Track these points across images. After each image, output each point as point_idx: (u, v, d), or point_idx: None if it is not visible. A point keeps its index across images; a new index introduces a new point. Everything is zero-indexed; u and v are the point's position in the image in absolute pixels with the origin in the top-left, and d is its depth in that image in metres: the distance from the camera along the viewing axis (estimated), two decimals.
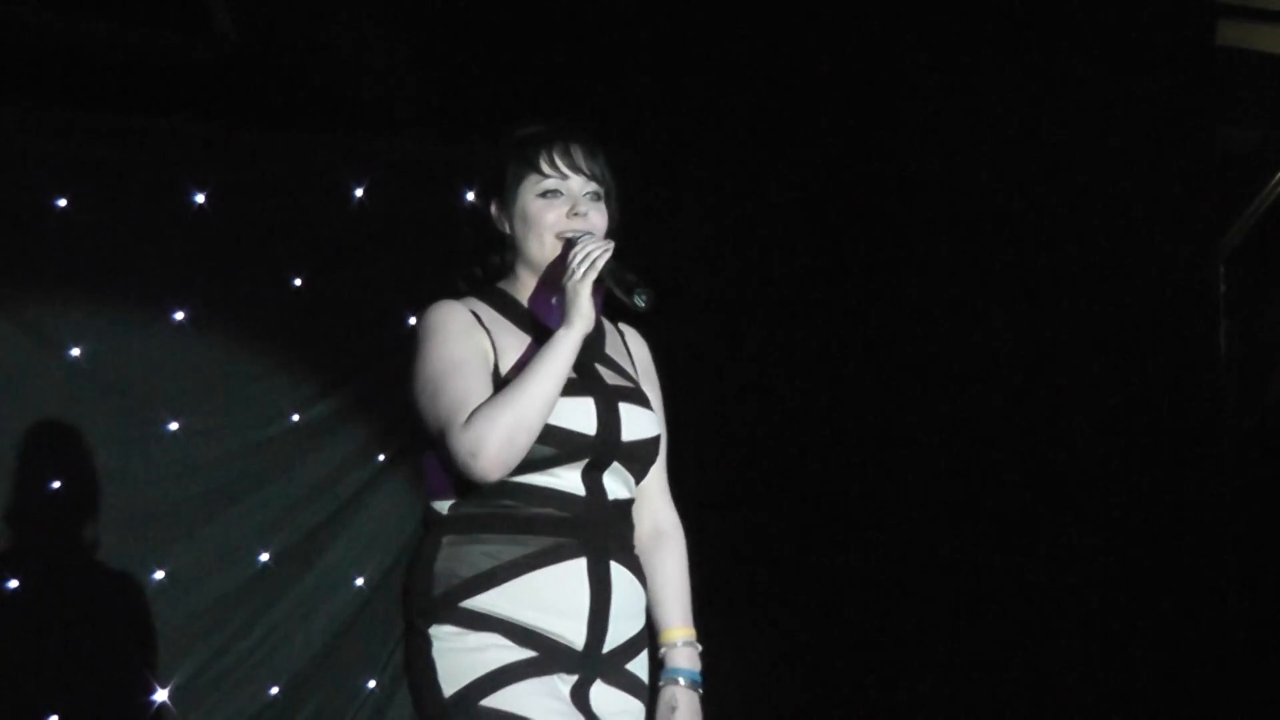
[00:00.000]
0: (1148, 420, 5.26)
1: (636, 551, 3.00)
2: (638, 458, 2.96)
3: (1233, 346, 5.43)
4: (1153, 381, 5.27)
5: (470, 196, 5.29)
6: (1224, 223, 5.41)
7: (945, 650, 5.39)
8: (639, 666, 2.95)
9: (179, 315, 5.01)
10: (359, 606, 5.24)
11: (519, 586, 2.82)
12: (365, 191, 5.19)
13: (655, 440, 2.99)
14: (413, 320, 5.28)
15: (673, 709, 2.97)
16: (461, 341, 2.90)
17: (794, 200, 5.58)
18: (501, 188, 3.00)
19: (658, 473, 3.08)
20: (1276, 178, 5.42)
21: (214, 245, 5.03)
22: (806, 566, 5.49)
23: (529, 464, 2.83)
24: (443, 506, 2.93)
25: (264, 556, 5.10)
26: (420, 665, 2.85)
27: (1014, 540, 5.32)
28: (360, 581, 5.24)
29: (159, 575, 4.95)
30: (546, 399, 2.81)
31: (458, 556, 2.86)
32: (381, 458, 5.28)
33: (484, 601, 2.83)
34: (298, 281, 5.15)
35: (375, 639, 5.26)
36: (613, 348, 3.07)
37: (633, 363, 3.10)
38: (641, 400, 3.00)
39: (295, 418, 5.17)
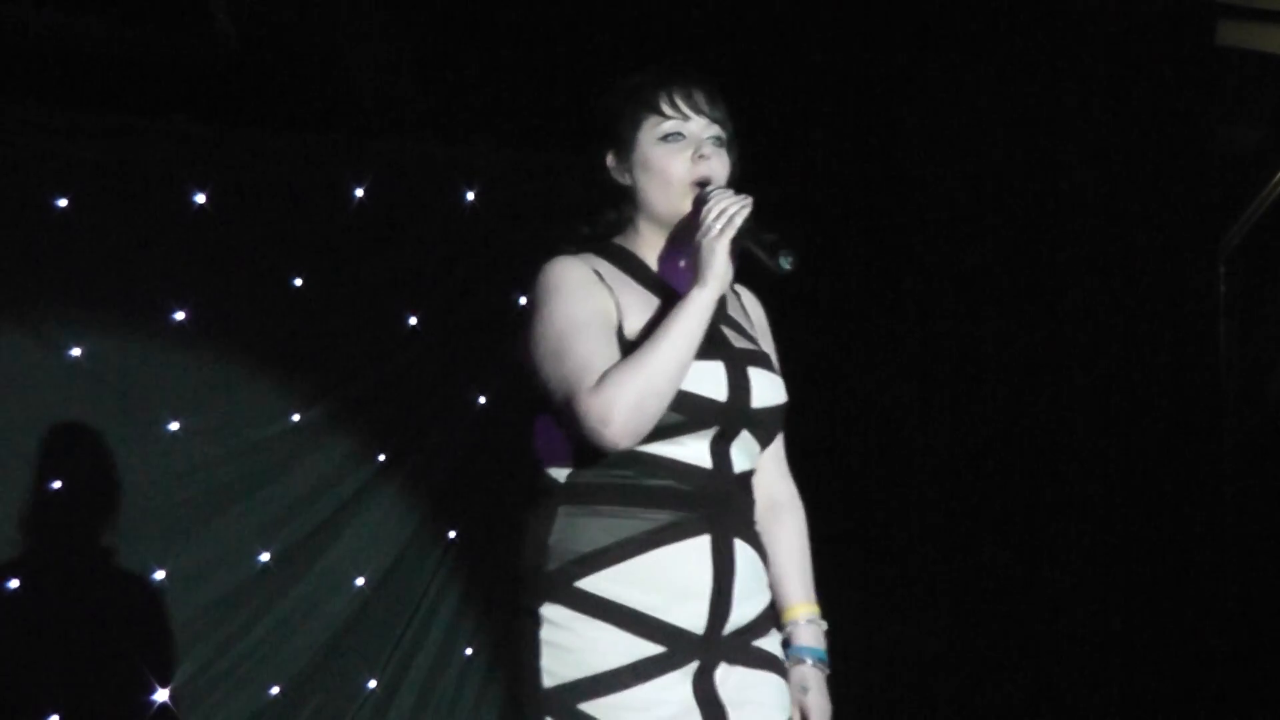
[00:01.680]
0: (1148, 420, 5.26)
1: (756, 526, 2.86)
2: (766, 425, 2.81)
3: (1233, 346, 5.43)
4: (1153, 381, 5.27)
5: (471, 197, 5.35)
6: (1224, 223, 5.41)
7: (943, 650, 5.39)
8: (769, 643, 2.82)
9: (179, 315, 5.01)
10: (359, 606, 5.24)
11: (638, 566, 2.68)
12: (365, 191, 5.19)
13: (783, 407, 2.85)
14: (415, 320, 5.30)
15: (804, 689, 2.86)
16: (584, 300, 2.73)
17: (794, 201, 5.58)
18: (618, 136, 2.82)
19: (776, 443, 2.95)
20: (1276, 178, 5.42)
21: (214, 245, 5.03)
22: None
23: (655, 431, 2.67)
24: (560, 474, 2.76)
25: (264, 556, 5.11)
26: (524, 647, 2.72)
27: (1013, 540, 5.32)
28: (360, 581, 5.25)
29: (159, 575, 4.95)
30: (680, 364, 2.65)
31: (574, 529, 2.71)
32: (381, 458, 5.29)
33: (600, 583, 2.69)
34: (298, 281, 5.15)
35: (375, 639, 5.27)
36: (734, 308, 2.93)
37: (751, 324, 2.96)
38: (768, 364, 2.86)
39: (295, 418, 5.17)
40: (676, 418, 2.69)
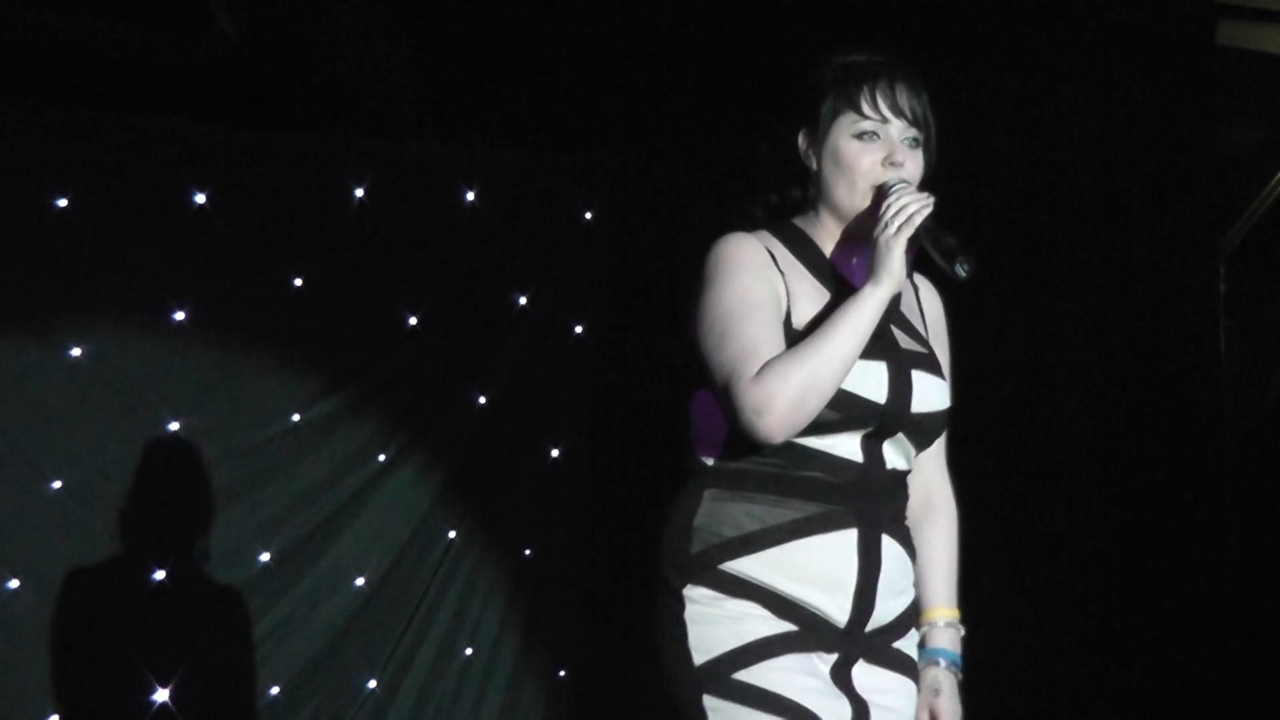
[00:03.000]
0: (1148, 420, 5.26)
1: (908, 523, 2.81)
2: (924, 430, 2.76)
3: (1233, 346, 5.43)
4: (1153, 381, 5.27)
5: (471, 197, 5.35)
6: (1224, 223, 5.41)
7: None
8: (908, 644, 2.79)
9: (179, 315, 5.01)
10: (359, 606, 5.24)
11: (783, 553, 2.64)
12: (365, 191, 5.19)
13: (945, 413, 2.79)
14: (415, 321, 5.30)
15: (936, 692, 2.81)
16: (756, 281, 2.67)
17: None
18: (815, 120, 2.74)
19: (937, 443, 2.88)
20: (1276, 178, 5.42)
21: (214, 245, 5.03)
22: None
23: (812, 426, 2.62)
24: (708, 458, 2.72)
25: (264, 556, 5.10)
26: (670, 628, 2.68)
27: (1013, 540, 5.32)
28: (360, 581, 5.25)
29: (159, 575, 4.95)
30: (845, 361, 2.59)
31: (720, 513, 2.67)
32: (381, 458, 5.28)
33: (744, 566, 2.64)
34: (298, 281, 5.15)
35: (375, 639, 5.27)
36: (906, 304, 2.86)
37: (924, 320, 2.89)
38: (935, 368, 2.79)
39: (295, 418, 5.17)
40: (833, 415, 2.64)
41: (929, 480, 2.92)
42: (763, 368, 2.58)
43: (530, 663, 5.48)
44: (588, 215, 5.52)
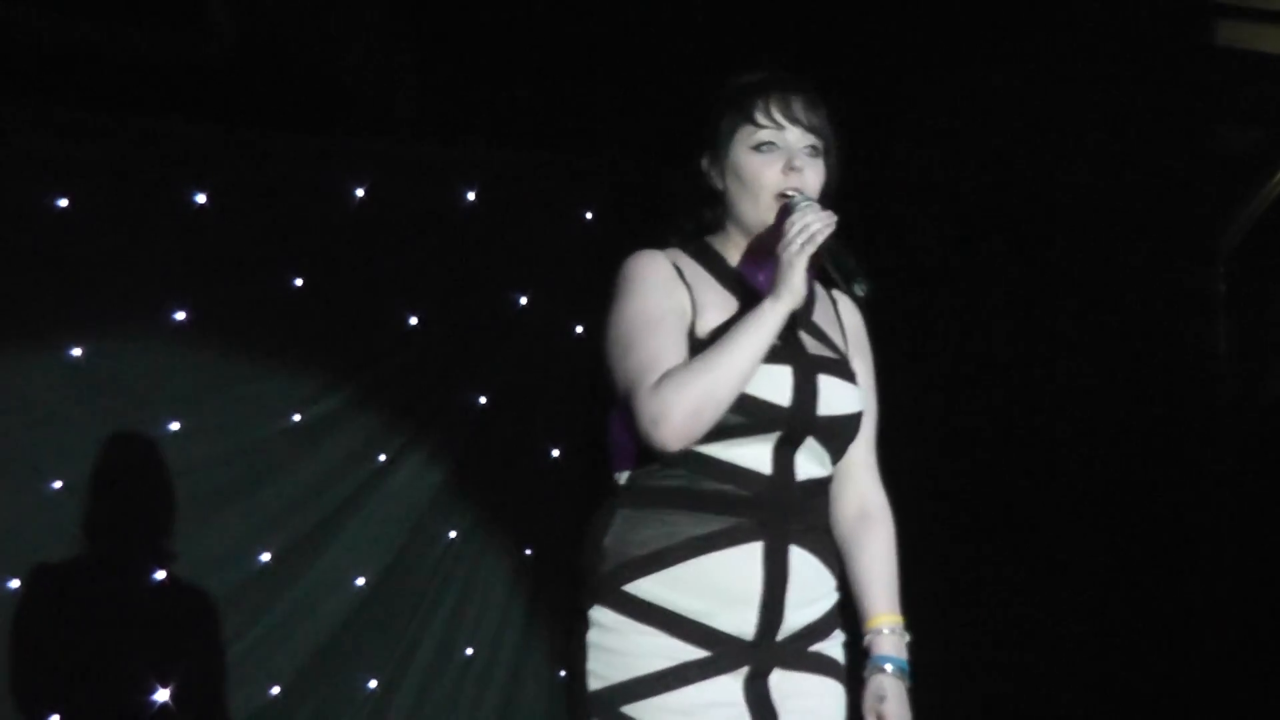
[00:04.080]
0: (1148, 420, 5.26)
1: (839, 533, 2.86)
2: (834, 434, 2.77)
3: (1233, 346, 5.43)
4: (1152, 381, 5.27)
5: (471, 197, 5.35)
6: (1224, 223, 5.41)
7: (941, 650, 5.38)
8: (829, 647, 2.81)
9: (179, 315, 5.01)
10: (359, 606, 5.24)
11: (688, 570, 2.67)
12: (365, 191, 5.19)
13: (855, 417, 2.80)
14: (415, 320, 5.30)
15: (881, 698, 2.82)
16: (660, 296, 2.74)
17: None
18: (715, 140, 2.81)
19: (865, 450, 2.92)
20: (1276, 178, 5.42)
21: (214, 245, 5.03)
22: None
23: (717, 431, 2.66)
24: (621, 476, 2.77)
25: (264, 556, 5.10)
26: (574, 649, 2.73)
27: (1013, 540, 5.32)
28: (360, 581, 5.25)
29: (159, 575, 4.95)
30: (742, 374, 2.64)
31: (629, 532, 2.71)
32: (382, 458, 5.28)
33: (649, 586, 2.68)
34: (298, 281, 5.15)
35: (375, 639, 5.27)
36: (822, 315, 2.89)
37: (843, 331, 2.92)
38: (845, 373, 2.81)
39: (295, 418, 5.17)
40: (738, 419, 2.67)
41: (863, 491, 2.94)
42: (661, 378, 2.63)
43: (530, 663, 5.48)
44: (588, 215, 5.51)
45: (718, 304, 2.77)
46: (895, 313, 5.53)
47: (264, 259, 5.11)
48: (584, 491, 5.55)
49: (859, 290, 2.68)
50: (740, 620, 2.69)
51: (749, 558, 2.69)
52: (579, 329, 5.51)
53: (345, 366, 5.24)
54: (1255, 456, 5.44)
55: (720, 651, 2.68)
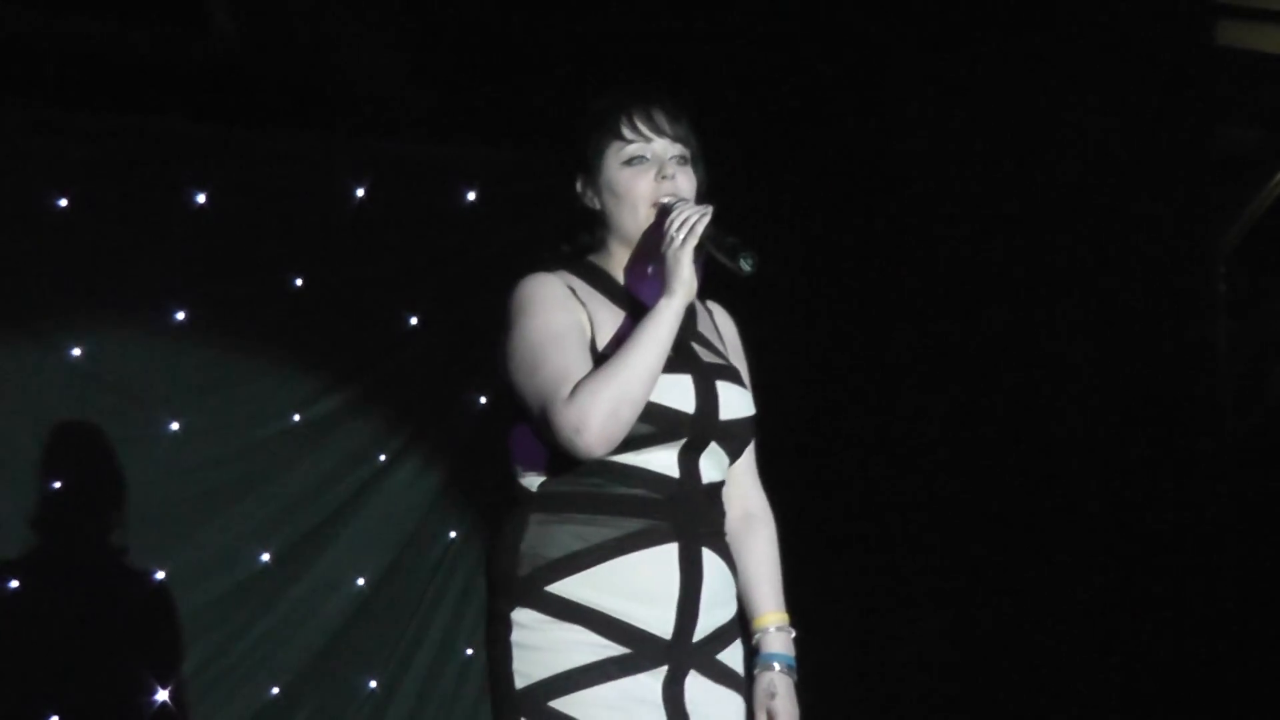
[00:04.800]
0: (1147, 420, 5.26)
1: (726, 537, 2.92)
2: (735, 437, 2.88)
3: (1233, 346, 5.43)
4: (1152, 382, 5.27)
5: (471, 197, 5.35)
6: (1224, 223, 5.41)
7: (941, 649, 5.39)
8: (732, 658, 2.88)
9: (179, 315, 5.01)
10: (359, 606, 5.24)
11: (607, 571, 2.75)
12: (365, 191, 5.19)
13: (751, 420, 2.91)
14: (415, 320, 5.29)
15: (771, 695, 2.90)
16: (559, 314, 2.82)
17: (791, 201, 5.58)
18: (586, 161, 2.90)
19: (747, 455, 3.01)
20: (1276, 178, 5.42)
21: (214, 245, 5.04)
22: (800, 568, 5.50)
23: (625, 442, 2.74)
24: (532, 483, 2.84)
25: (264, 556, 5.11)
26: (497, 652, 2.80)
27: (1012, 540, 5.32)
28: (360, 581, 5.25)
29: (159, 575, 4.95)
30: (651, 371, 2.72)
31: (545, 536, 2.79)
32: (382, 458, 5.29)
33: (570, 586, 2.76)
34: (298, 281, 5.15)
35: (375, 639, 5.27)
36: (703, 325, 2.99)
37: (722, 340, 3.02)
38: (737, 378, 2.92)
39: (295, 418, 5.17)
40: (646, 429, 2.76)
41: (745, 494, 3.03)
42: (575, 388, 2.70)
43: None
44: None
45: (611, 319, 2.86)
46: (892, 312, 5.56)
47: (264, 259, 5.11)
48: None
49: (746, 264, 2.74)
50: (659, 619, 2.77)
51: (666, 558, 2.78)
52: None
53: (345, 366, 5.24)
54: (1255, 456, 5.44)
55: (640, 649, 2.76)
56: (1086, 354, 5.34)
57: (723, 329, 3.05)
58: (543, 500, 2.82)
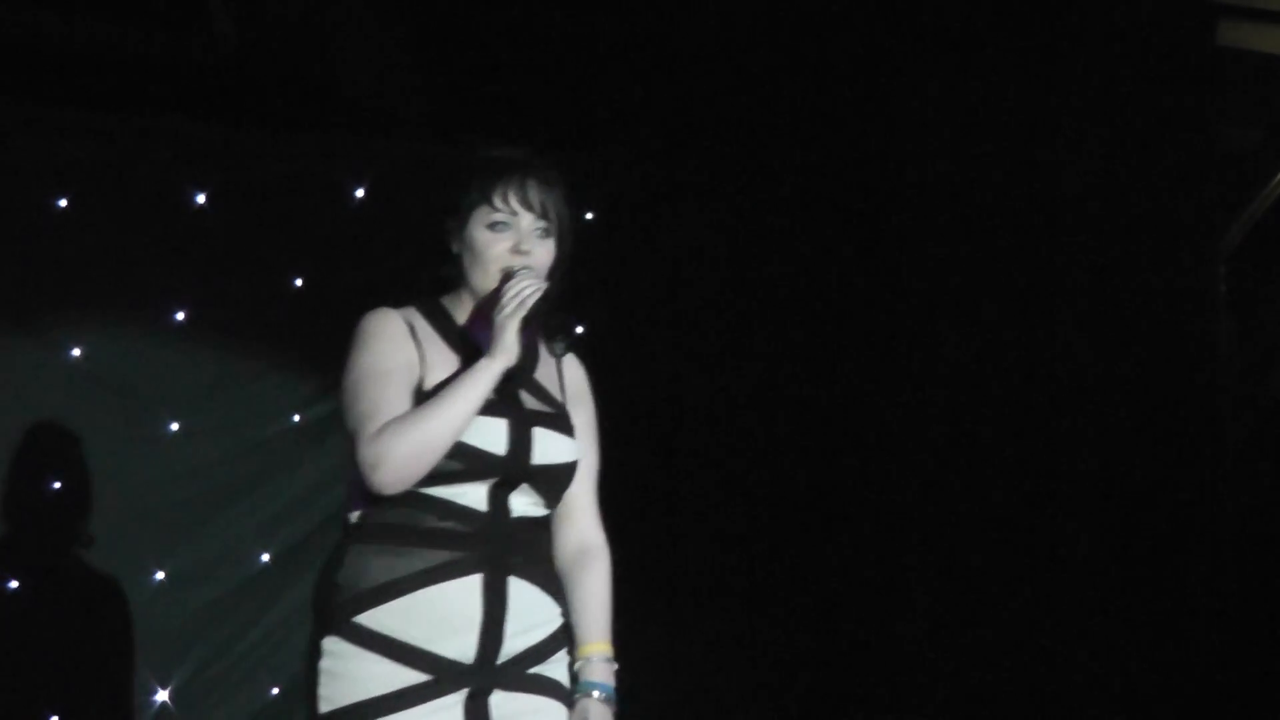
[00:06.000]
0: (1147, 420, 5.26)
1: (560, 567, 3.07)
2: (548, 480, 3.01)
3: (1233, 346, 5.43)
4: (1152, 381, 5.27)
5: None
6: (1224, 223, 5.41)
7: (941, 650, 5.39)
8: (551, 669, 3.01)
9: (179, 315, 5.01)
10: None
11: (412, 602, 2.89)
12: (365, 191, 5.19)
13: (569, 466, 3.04)
14: None
15: None
16: (389, 351, 2.99)
17: (791, 202, 5.58)
18: (457, 209, 3.07)
19: (585, 492, 3.14)
20: (1277, 178, 5.42)
21: (214, 245, 5.03)
22: (800, 566, 5.51)
23: (437, 476, 2.90)
24: (354, 515, 2.99)
25: (264, 556, 5.10)
26: (310, 676, 2.94)
27: (1012, 541, 5.32)
28: None
29: (159, 575, 4.95)
30: (454, 427, 2.88)
31: (360, 567, 2.93)
32: None
33: (376, 617, 2.89)
34: (298, 281, 5.15)
35: None
36: (544, 373, 3.12)
37: (563, 388, 3.14)
38: (561, 426, 3.05)
39: (295, 418, 5.16)
40: (455, 465, 2.91)
41: (582, 529, 3.14)
42: (382, 427, 2.88)
43: None
44: (588, 215, 5.51)
45: (444, 361, 3.00)
46: (892, 312, 5.56)
47: (264, 259, 5.11)
48: None
49: (557, 350, 3.05)
50: (461, 646, 2.90)
51: (469, 589, 2.92)
52: (579, 329, 5.49)
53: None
54: (1255, 456, 5.44)
55: (441, 676, 2.89)
56: (1086, 353, 5.34)
57: (568, 375, 3.17)
58: (359, 531, 2.97)
